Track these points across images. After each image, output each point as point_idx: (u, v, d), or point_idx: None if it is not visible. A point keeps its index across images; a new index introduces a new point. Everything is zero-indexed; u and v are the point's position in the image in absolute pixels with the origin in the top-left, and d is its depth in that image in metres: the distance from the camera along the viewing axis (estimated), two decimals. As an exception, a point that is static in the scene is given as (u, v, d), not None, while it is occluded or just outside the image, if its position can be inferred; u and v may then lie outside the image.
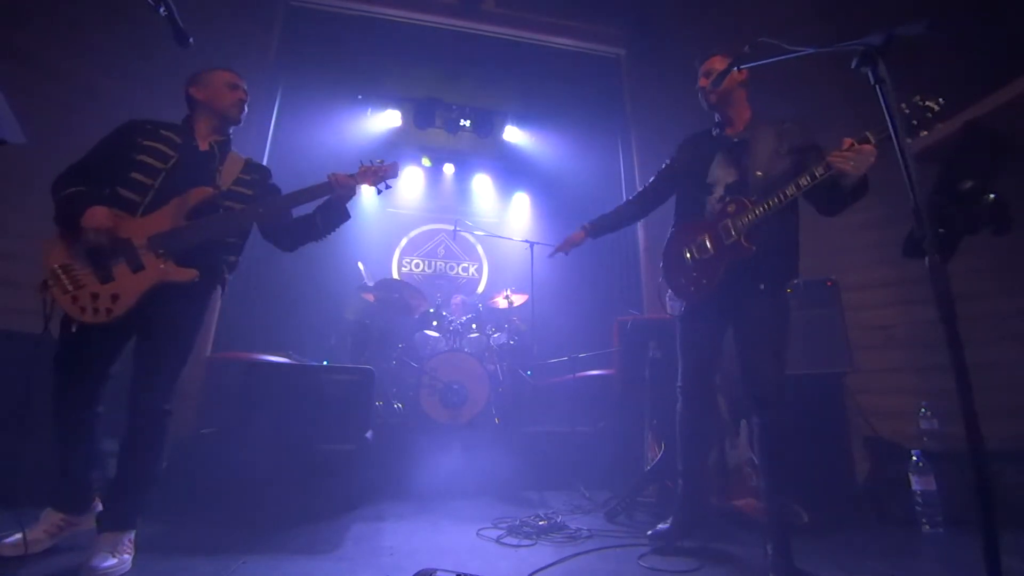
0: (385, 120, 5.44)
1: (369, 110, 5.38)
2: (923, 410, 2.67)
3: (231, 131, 1.99)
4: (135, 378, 1.72)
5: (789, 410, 1.77)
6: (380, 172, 2.03)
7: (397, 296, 4.24)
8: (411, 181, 6.00)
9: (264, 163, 4.00)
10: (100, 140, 1.78)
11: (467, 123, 5.54)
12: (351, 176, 1.98)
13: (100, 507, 1.80)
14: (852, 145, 1.58)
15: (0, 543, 1.62)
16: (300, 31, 4.43)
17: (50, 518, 1.73)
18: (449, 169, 6.10)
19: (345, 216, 2.02)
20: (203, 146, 1.89)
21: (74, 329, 1.64)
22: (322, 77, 4.77)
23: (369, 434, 2.77)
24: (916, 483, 2.28)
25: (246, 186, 1.92)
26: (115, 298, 1.63)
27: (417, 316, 4.33)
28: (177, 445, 2.75)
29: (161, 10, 1.59)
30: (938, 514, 2.21)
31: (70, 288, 1.62)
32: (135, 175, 1.72)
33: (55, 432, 1.72)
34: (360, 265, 4.43)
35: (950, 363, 1.02)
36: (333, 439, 2.56)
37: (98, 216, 1.61)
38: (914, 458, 2.31)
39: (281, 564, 1.69)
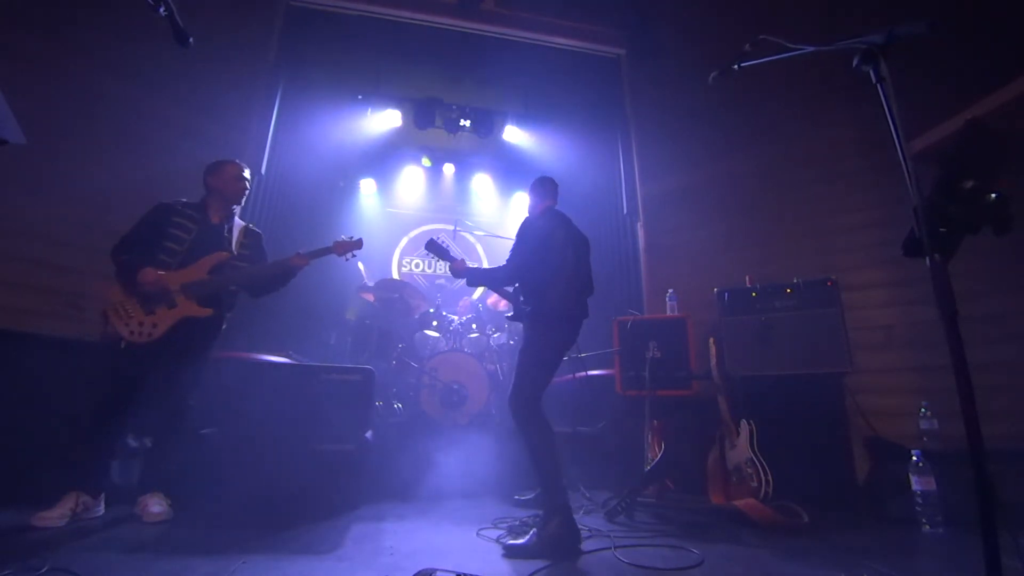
0: (385, 120, 5.43)
1: (369, 110, 5.37)
2: (923, 410, 2.67)
3: (234, 207, 2.65)
4: (163, 383, 2.36)
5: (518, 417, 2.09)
6: (351, 245, 2.69)
7: (397, 296, 4.24)
8: (411, 181, 5.99)
9: (264, 164, 4.04)
10: (141, 219, 2.45)
11: (467, 123, 5.53)
12: (325, 248, 2.63)
13: (102, 507, 2.26)
14: None
15: (41, 516, 2.02)
16: (300, 31, 4.42)
17: (70, 499, 2.11)
18: (449, 169, 6.09)
19: (293, 276, 2.65)
20: (215, 219, 2.57)
21: (123, 345, 2.27)
22: (322, 77, 4.76)
23: (369, 434, 2.77)
24: (916, 483, 2.28)
25: (246, 249, 2.63)
26: (155, 325, 2.33)
27: (417, 316, 4.32)
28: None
29: (161, 10, 1.60)
30: (938, 514, 2.21)
31: (123, 317, 2.31)
32: (169, 244, 2.43)
33: (96, 427, 2.25)
34: (360, 265, 4.43)
35: (950, 363, 1.02)
36: (333, 439, 2.56)
37: (149, 275, 2.31)
38: (914, 458, 2.31)
39: (281, 564, 1.69)
